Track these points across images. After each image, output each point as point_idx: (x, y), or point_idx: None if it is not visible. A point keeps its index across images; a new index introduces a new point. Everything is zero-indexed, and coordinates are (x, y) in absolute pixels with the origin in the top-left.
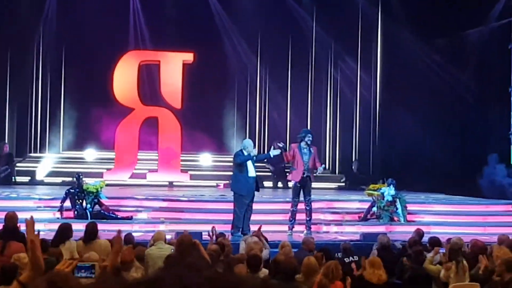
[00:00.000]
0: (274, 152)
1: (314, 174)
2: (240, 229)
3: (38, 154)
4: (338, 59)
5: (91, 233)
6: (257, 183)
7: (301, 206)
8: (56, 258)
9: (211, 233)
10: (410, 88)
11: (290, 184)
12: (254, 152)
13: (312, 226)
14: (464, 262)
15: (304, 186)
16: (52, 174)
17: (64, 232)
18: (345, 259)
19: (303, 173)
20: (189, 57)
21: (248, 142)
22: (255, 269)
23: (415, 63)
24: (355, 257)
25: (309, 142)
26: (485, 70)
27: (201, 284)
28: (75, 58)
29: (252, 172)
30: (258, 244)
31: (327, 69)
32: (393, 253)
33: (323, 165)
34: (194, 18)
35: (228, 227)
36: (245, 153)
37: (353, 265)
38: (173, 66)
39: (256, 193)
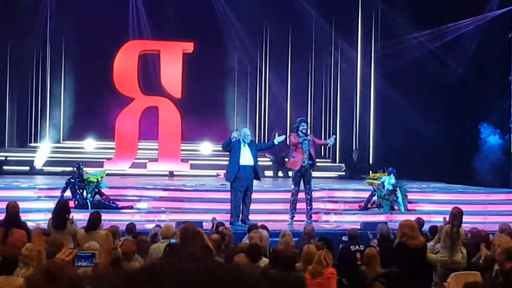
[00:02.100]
0: (279, 139)
1: (329, 144)
2: (239, 218)
3: (38, 144)
4: (338, 48)
5: (94, 223)
6: (256, 172)
7: (301, 195)
8: (57, 248)
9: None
10: (409, 77)
11: (291, 173)
12: (235, 134)
13: (312, 215)
14: (461, 229)
15: (304, 175)
16: (52, 163)
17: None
18: (351, 247)
19: (303, 162)
20: (189, 46)
21: (241, 130)
22: (255, 259)
23: (414, 52)
24: (361, 246)
25: (304, 131)
26: (485, 59)
27: (200, 274)
28: (75, 48)
29: (245, 160)
30: (258, 233)
31: (327, 58)
32: (393, 243)
33: (331, 139)
34: (194, 7)
35: (228, 216)
36: (241, 142)
37: (358, 255)
38: (173, 56)
39: (257, 182)
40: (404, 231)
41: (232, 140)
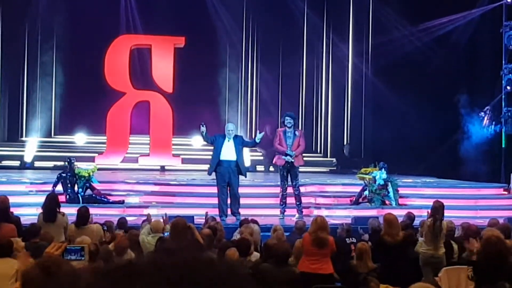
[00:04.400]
0: (259, 136)
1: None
2: (226, 213)
3: (29, 139)
4: (330, 43)
5: (83, 218)
6: (239, 168)
7: (291, 190)
8: (48, 242)
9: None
10: (401, 72)
11: None
12: (203, 129)
13: (304, 209)
14: (444, 223)
15: (289, 170)
16: (43, 158)
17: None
18: (347, 239)
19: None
20: (180, 41)
21: (226, 125)
22: (244, 253)
23: (405, 47)
24: (353, 238)
25: (288, 125)
26: (476, 54)
27: (176, 266)
28: (66, 42)
29: (226, 155)
30: (249, 228)
31: (319, 53)
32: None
33: (292, 152)
34: (185, 2)
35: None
36: (226, 137)
37: (352, 247)
38: (164, 50)
39: (249, 176)
40: (383, 225)
41: (202, 134)
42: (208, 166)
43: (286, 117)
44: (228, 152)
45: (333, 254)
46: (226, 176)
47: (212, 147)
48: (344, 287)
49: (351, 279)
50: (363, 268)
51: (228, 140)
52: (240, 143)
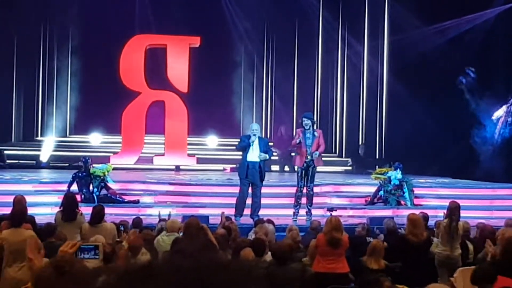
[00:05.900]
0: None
1: (315, 157)
2: (241, 214)
3: (44, 138)
4: (345, 44)
5: (97, 216)
6: (261, 170)
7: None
8: (64, 242)
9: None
10: (416, 72)
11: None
12: (253, 138)
13: (318, 209)
14: (460, 223)
15: (307, 170)
16: (58, 158)
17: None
18: (367, 238)
19: (306, 158)
20: (195, 41)
21: (252, 126)
22: (259, 253)
23: (421, 46)
24: (371, 238)
25: (306, 127)
26: (491, 54)
27: (194, 268)
28: (82, 42)
29: (251, 157)
30: (263, 228)
31: (334, 54)
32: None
33: (316, 152)
34: (200, 2)
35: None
36: (252, 136)
37: None
38: (179, 50)
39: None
40: (407, 225)
41: (251, 144)
42: (230, 166)
43: (304, 118)
44: (252, 153)
45: (349, 252)
46: (250, 178)
47: (229, 146)
48: None
49: (363, 278)
50: (373, 264)
51: (253, 141)
52: (262, 145)
